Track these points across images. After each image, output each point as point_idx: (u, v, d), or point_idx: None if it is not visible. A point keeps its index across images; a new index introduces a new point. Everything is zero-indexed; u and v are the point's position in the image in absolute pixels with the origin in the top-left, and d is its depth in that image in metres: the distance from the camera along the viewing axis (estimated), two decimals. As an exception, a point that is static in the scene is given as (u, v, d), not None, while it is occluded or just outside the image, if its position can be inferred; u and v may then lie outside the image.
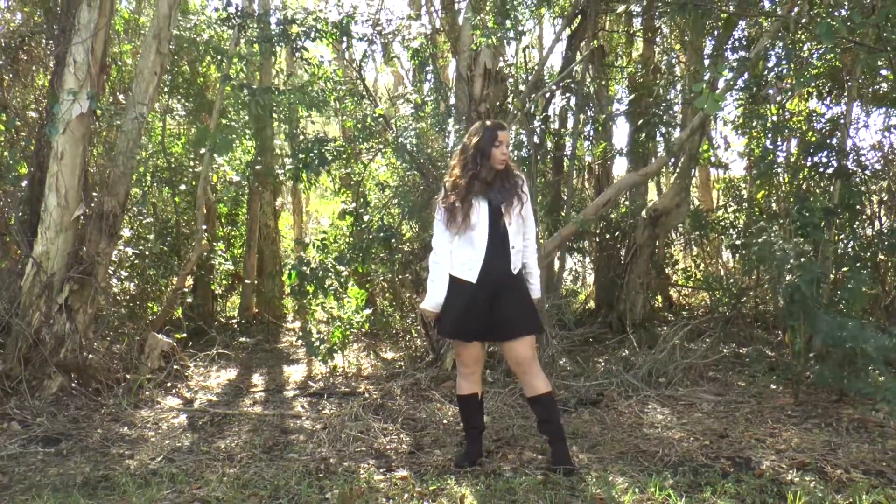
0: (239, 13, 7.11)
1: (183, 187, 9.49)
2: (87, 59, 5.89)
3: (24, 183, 6.60)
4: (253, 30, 7.39)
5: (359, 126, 7.43)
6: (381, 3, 7.49)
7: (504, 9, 7.19)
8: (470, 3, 7.19)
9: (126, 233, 7.76)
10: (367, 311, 6.95)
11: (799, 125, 7.90)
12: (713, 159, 9.84)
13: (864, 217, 7.85)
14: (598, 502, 3.41)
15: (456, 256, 4.00)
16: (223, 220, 11.26)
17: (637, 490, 3.56)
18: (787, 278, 5.59)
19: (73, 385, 5.73)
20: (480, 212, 3.96)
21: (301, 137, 8.76)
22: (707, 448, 4.35)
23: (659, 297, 10.11)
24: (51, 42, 6.57)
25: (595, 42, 8.88)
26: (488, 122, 4.15)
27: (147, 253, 8.34)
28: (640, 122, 9.18)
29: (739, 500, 3.44)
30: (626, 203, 9.59)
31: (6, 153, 6.76)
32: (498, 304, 3.93)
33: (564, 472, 3.81)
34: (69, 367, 5.75)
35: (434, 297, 4.01)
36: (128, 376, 5.99)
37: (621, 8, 8.68)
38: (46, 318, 5.77)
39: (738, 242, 8.15)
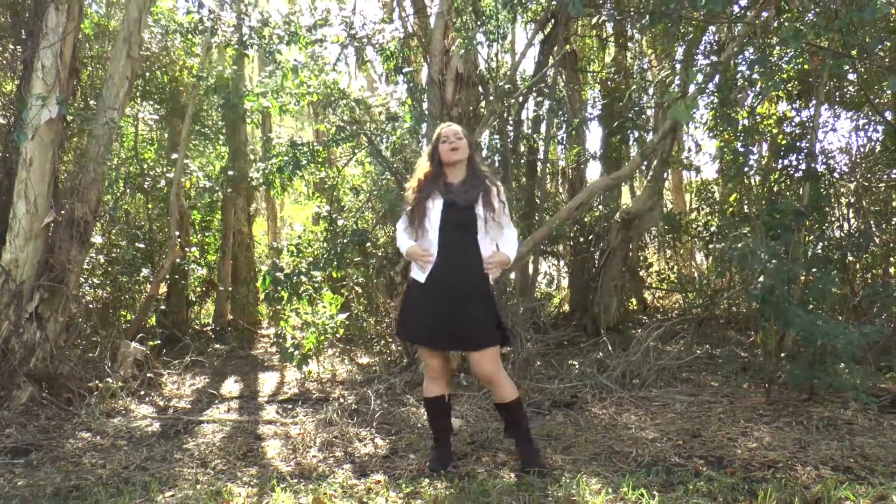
0: (210, 16, 7.06)
1: (156, 193, 9.42)
2: (56, 63, 5.82)
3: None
4: (225, 33, 7.35)
5: (332, 130, 7.41)
6: (354, 6, 7.50)
7: (480, 12, 7.22)
8: (451, 7, 7.21)
9: (98, 239, 7.67)
10: (342, 317, 6.93)
11: (769, 128, 8.01)
12: (685, 162, 9.94)
13: (833, 219, 7.98)
14: (571, 503, 3.43)
15: None
16: (196, 227, 11.17)
17: (610, 490, 3.58)
18: (760, 279, 5.67)
19: (44, 395, 5.64)
20: (433, 211, 3.96)
21: (275, 141, 8.74)
22: (680, 448, 4.39)
23: (633, 300, 10.19)
24: (18, 46, 6.48)
25: (567, 47, 8.94)
26: None
27: (119, 260, 8.26)
28: (614, 125, 9.26)
29: (711, 498, 3.47)
30: (600, 207, 9.65)
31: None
32: (458, 313, 3.86)
33: (538, 472, 3.82)
34: (39, 376, 5.66)
35: (404, 247, 4.10)
36: (100, 385, 5.90)
37: (594, 19, 8.76)
38: (16, 326, 5.68)
39: (709, 241, 8.25)
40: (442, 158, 4.01)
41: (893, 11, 6.10)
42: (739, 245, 6.07)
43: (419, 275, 3.99)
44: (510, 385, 4.01)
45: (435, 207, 3.96)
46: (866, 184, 8.14)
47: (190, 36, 8.41)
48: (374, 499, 3.57)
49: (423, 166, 4.11)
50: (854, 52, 5.93)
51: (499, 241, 4.04)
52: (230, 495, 3.69)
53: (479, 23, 7.28)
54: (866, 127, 8.04)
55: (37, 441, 4.84)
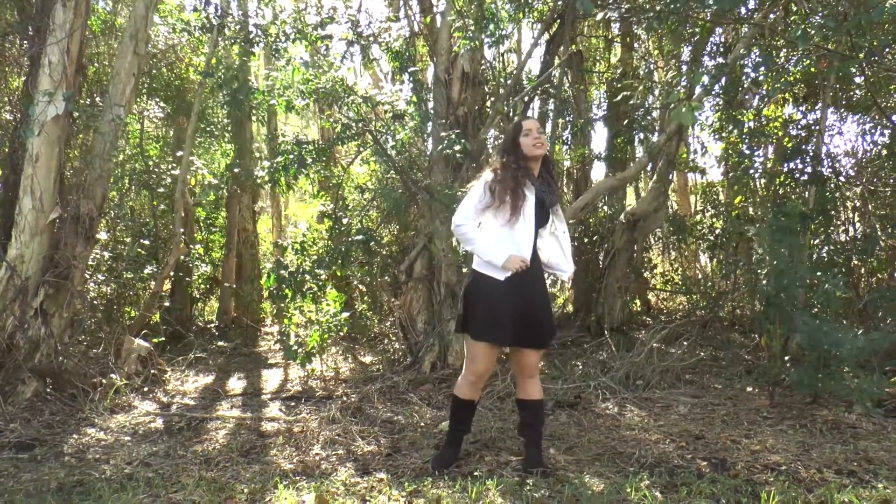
0: (217, 14, 7.08)
1: (161, 190, 9.43)
2: (63, 59, 5.83)
3: (-2, 185, 6.53)
4: (232, 31, 7.35)
5: (338, 128, 7.42)
6: (360, 5, 7.50)
7: (482, 16, 7.22)
8: (452, 7, 7.21)
9: (103, 236, 7.68)
10: (346, 315, 6.94)
11: (775, 131, 7.99)
12: (691, 164, 9.92)
13: (839, 223, 7.96)
14: (574, 503, 3.43)
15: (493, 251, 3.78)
16: (201, 224, 11.19)
17: (613, 490, 3.57)
18: (765, 282, 5.66)
19: (48, 390, 5.66)
20: (528, 206, 3.76)
21: (280, 139, 8.74)
22: (683, 449, 4.38)
23: (637, 301, 10.18)
24: (25, 42, 6.50)
25: (573, 47, 8.93)
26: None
27: (124, 256, 8.27)
28: (619, 126, 9.24)
29: (714, 499, 3.46)
30: (605, 207, 9.64)
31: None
32: (537, 309, 3.80)
33: (541, 473, 3.81)
34: (44, 372, 5.68)
35: (495, 253, 3.73)
36: (104, 381, 5.92)
37: (599, 15, 8.74)
38: (21, 322, 5.69)
39: (714, 243, 8.24)
40: (525, 152, 3.86)
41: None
42: (747, 233, 6.04)
43: (498, 273, 3.74)
44: (539, 384, 4.05)
45: (529, 201, 3.77)
46: (872, 188, 8.12)
47: (196, 34, 8.43)
48: (377, 497, 3.57)
49: (503, 152, 3.94)
50: (861, 55, 5.91)
51: (560, 239, 3.98)
52: (233, 492, 3.69)
53: (480, 25, 7.26)
54: (873, 131, 8.01)
55: (41, 436, 4.85)
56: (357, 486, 3.77)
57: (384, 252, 7.89)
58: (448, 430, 4.19)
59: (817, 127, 7.06)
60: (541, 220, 3.87)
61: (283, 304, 7.37)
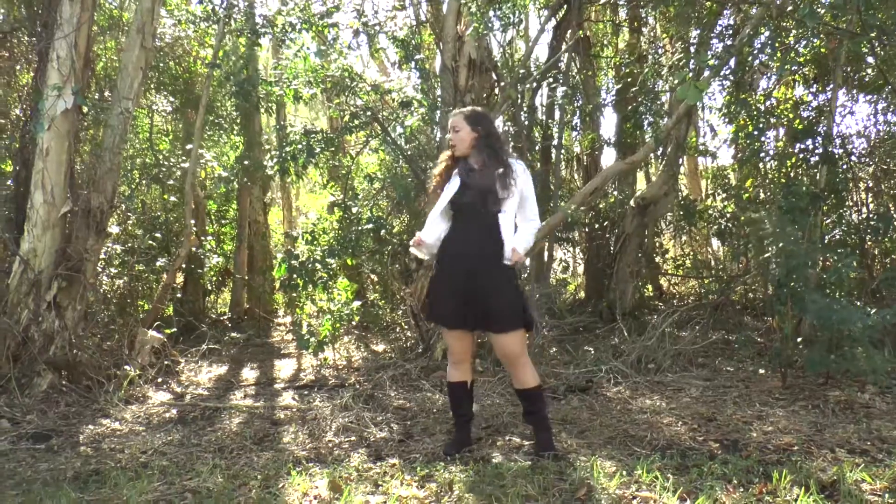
0: (223, 5, 7.09)
1: (171, 183, 9.46)
2: (71, 54, 5.85)
3: (9, 181, 6.57)
4: (238, 22, 7.36)
5: (346, 118, 7.42)
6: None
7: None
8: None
9: (114, 229, 7.72)
10: (357, 304, 6.95)
11: (785, 113, 7.92)
12: (700, 148, 9.86)
13: (851, 203, 7.90)
14: (586, 485, 3.43)
15: None
16: (212, 217, 11.23)
17: (625, 473, 3.57)
18: (777, 262, 5.63)
19: (63, 382, 5.71)
20: (447, 192, 3.97)
21: (289, 129, 8.75)
22: (695, 431, 4.38)
23: (649, 286, 10.15)
24: (33, 38, 6.53)
25: (581, 32, 8.88)
26: None
27: (136, 249, 8.32)
28: (628, 110, 9.19)
29: (726, 480, 3.45)
30: (615, 192, 9.60)
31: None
32: (475, 294, 3.82)
33: (553, 457, 3.82)
34: (59, 364, 5.73)
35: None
36: (118, 372, 5.97)
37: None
38: (35, 315, 5.75)
39: (725, 227, 8.21)
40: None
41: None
42: (757, 216, 6.01)
43: (425, 254, 4.09)
44: (532, 372, 3.97)
45: (451, 188, 3.96)
46: (885, 167, 8.04)
47: (203, 26, 8.42)
48: (389, 482, 3.59)
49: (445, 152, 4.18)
50: (872, 34, 5.84)
51: (521, 216, 3.99)
52: (247, 479, 3.72)
53: (492, 7, 7.23)
54: (885, 110, 7.93)
55: (57, 427, 4.91)
56: (370, 471, 3.79)
57: (394, 240, 7.90)
58: (452, 417, 4.23)
59: (828, 108, 6.99)
60: (479, 203, 3.86)
61: (294, 294, 7.39)
